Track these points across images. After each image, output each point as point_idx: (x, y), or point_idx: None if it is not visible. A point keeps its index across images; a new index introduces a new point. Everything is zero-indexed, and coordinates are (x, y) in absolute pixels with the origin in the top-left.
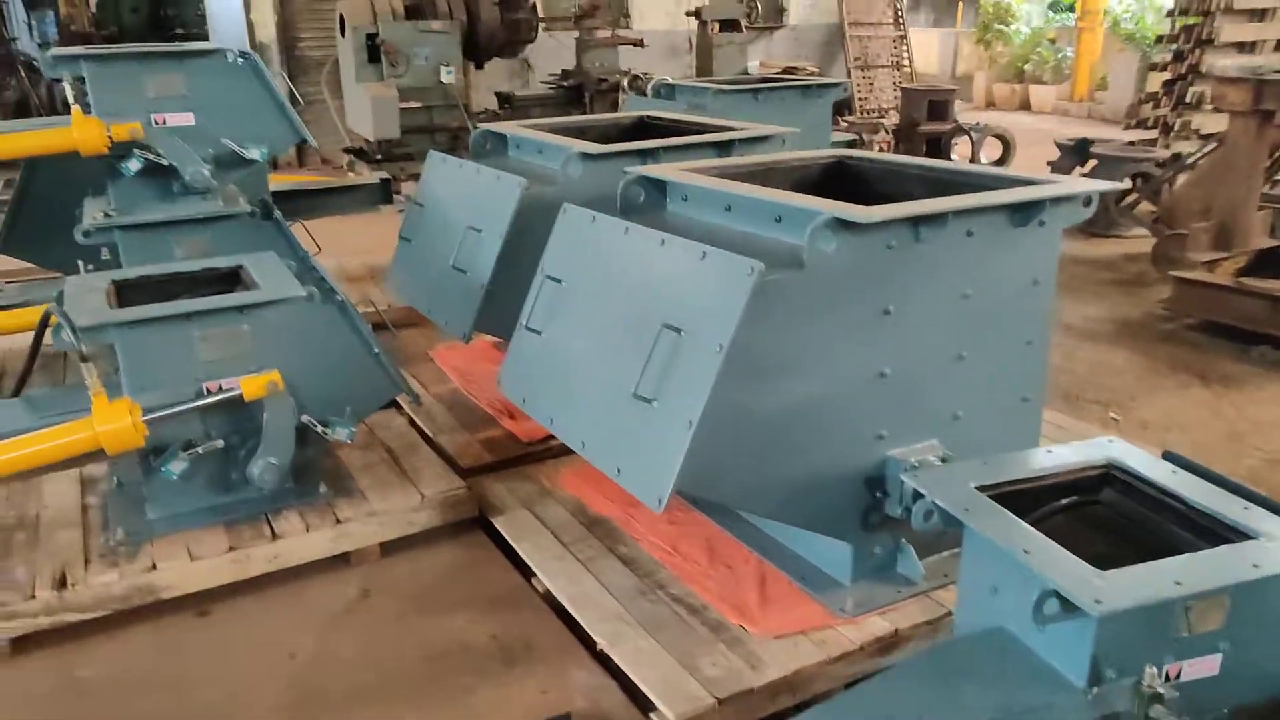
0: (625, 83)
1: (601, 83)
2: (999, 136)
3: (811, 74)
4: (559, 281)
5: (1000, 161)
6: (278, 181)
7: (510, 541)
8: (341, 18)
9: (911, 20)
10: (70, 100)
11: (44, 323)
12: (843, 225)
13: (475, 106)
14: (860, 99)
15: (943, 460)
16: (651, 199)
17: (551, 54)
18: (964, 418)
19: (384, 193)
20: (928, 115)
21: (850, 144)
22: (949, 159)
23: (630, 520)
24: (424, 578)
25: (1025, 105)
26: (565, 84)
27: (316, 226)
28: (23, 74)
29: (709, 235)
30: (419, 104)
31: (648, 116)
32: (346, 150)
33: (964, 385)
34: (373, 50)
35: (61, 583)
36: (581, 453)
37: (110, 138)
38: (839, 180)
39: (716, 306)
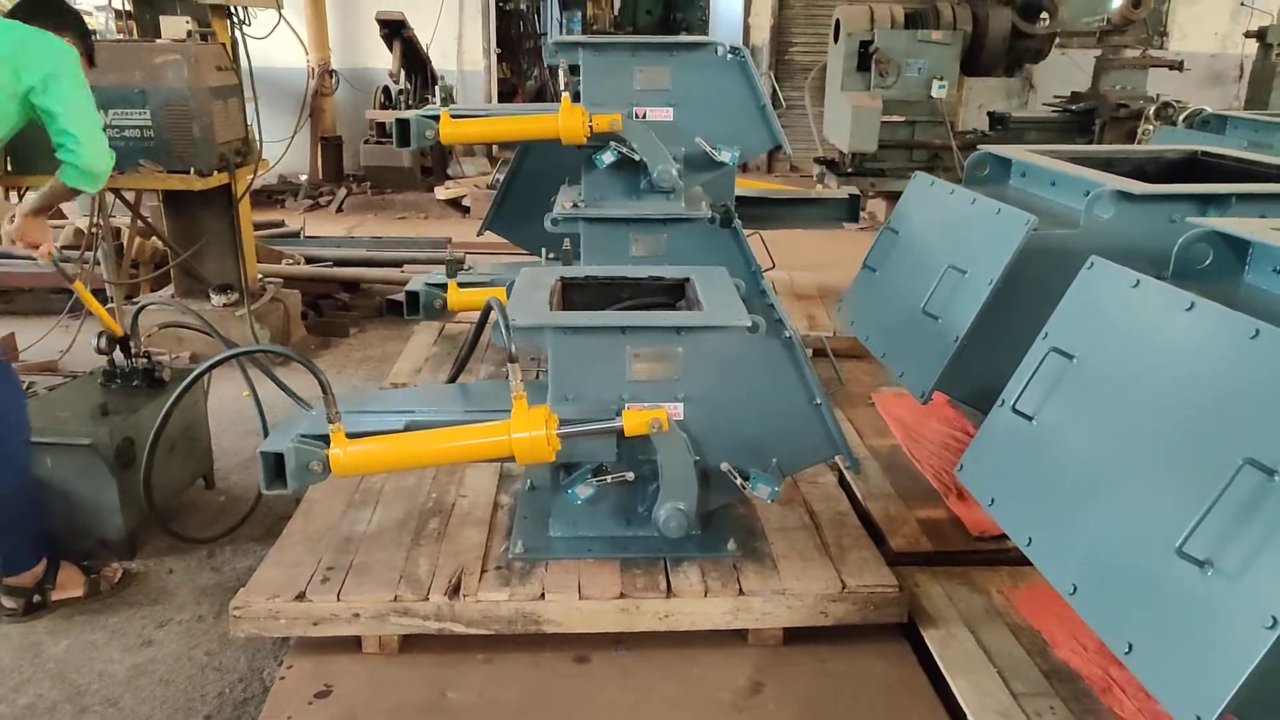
0: (1151, 111)
1: (1120, 109)
2: None
3: None
4: (1069, 358)
5: None
6: (744, 186)
7: (943, 670)
8: (838, 22)
9: None
10: (562, 86)
11: (484, 315)
12: None
13: (962, 125)
14: None
15: None
16: (1222, 264)
17: (1060, 72)
18: None
19: (850, 210)
20: None
21: None
22: None
23: (1111, 687)
24: (831, 685)
25: None
26: (1074, 107)
27: (775, 237)
28: (545, 66)
29: None
30: (902, 118)
31: (1203, 152)
32: (818, 160)
33: None
34: (863, 58)
35: (455, 589)
36: (1070, 600)
37: (590, 128)
38: None
39: None
